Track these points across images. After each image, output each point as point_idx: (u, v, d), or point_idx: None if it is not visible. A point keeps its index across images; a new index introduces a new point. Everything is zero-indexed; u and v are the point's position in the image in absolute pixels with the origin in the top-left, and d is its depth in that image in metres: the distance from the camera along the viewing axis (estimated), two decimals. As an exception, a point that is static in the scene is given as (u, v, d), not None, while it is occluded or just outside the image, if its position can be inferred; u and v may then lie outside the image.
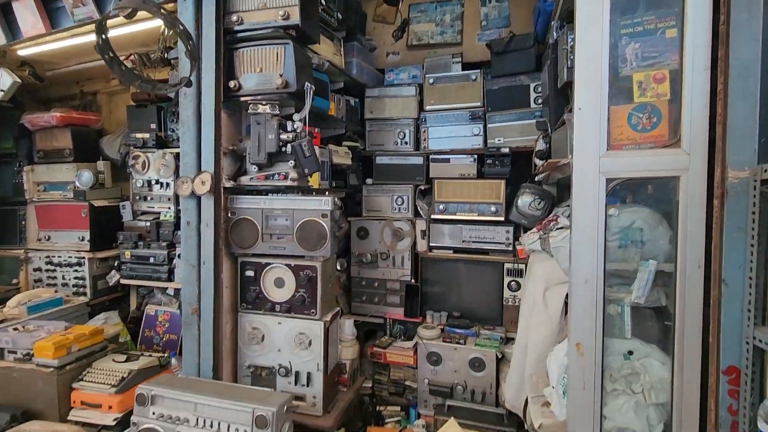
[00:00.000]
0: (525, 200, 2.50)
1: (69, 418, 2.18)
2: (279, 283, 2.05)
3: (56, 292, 2.94)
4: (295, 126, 1.96)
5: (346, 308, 2.92)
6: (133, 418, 1.70)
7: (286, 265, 2.03)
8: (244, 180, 2.04)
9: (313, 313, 2.00)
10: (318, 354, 2.01)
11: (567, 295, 1.88)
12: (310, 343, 2.02)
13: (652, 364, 1.56)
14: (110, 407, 2.17)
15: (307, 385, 2.03)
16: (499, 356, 2.40)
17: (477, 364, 2.41)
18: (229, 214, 2.05)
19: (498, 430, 2.15)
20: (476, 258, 2.71)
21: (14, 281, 3.15)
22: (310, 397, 2.03)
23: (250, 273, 2.07)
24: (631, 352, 1.58)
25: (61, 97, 3.67)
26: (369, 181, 2.95)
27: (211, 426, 1.62)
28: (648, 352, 1.58)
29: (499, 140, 2.69)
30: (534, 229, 2.34)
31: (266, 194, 2.06)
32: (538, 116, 2.55)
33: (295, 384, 2.03)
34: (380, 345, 2.67)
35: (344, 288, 2.95)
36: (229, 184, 2.01)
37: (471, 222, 2.70)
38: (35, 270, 3.11)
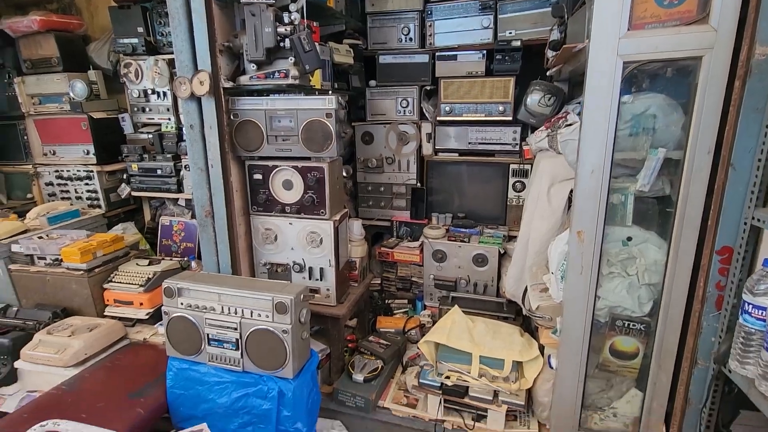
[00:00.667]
0: (534, 98, 2.42)
1: (105, 314, 2.39)
2: (287, 185, 2.09)
3: (72, 204, 3.02)
4: (292, 17, 1.83)
5: (354, 213, 3.00)
6: (164, 309, 1.86)
7: (293, 167, 2.05)
8: (244, 80, 1.96)
9: (322, 213, 2.07)
10: (329, 251, 2.11)
11: (571, 191, 1.91)
12: (321, 242, 2.11)
13: (648, 249, 1.64)
14: (141, 304, 2.36)
15: (321, 279, 2.17)
16: (502, 252, 2.51)
17: (480, 260, 2.54)
18: (232, 117, 2.01)
19: (498, 315, 2.33)
20: (482, 160, 2.70)
21: (29, 195, 3.22)
22: (324, 290, 2.18)
23: (258, 176, 2.10)
24: (629, 238, 1.64)
25: (36, 0, 3.40)
26: (372, 83, 2.83)
27: (236, 313, 1.77)
28: (646, 238, 1.64)
29: (510, 32, 2.51)
30: (542, 128, 2.29)
31: (268, 95, 2.00)
32: (554, 2, 2.35)
33: (310, 278, 2.17)
34: (387, 245, 2.80)
35: (351, 194, 3.00)
36: (228, 84, 1.94)
37: (477, 123, 2.64)
38: (47, 184, 3.16)
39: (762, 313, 1.24)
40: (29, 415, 1.66)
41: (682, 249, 1.54)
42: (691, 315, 1.59)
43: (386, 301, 2.88)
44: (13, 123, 3.13)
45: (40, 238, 2.49)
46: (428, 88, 2.76)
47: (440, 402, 2.01)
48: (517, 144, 2.61)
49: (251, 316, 1.75)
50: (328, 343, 2.27)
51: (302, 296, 1.77)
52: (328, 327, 2.25)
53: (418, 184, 2.84)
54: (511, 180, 2.65)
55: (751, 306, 1.27)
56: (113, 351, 2.18)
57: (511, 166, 2.63)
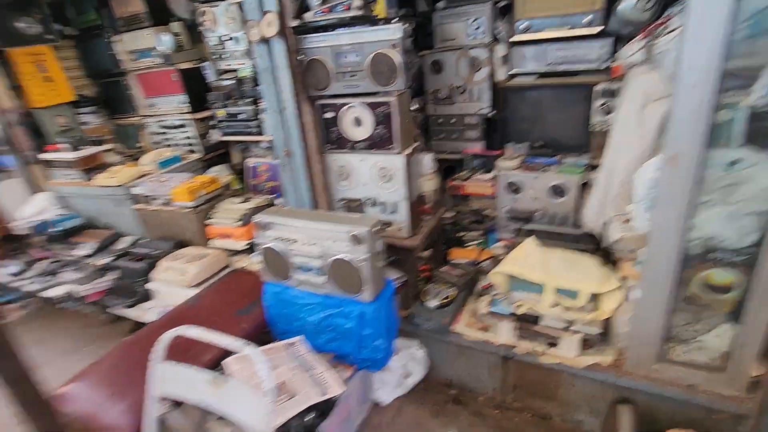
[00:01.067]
0: (629, 2, 2.08)
1: (211, 245, 2.77)
2: (357, 122, 2.13)
3: (174, 151, 3.41)
4: (351, -59, 1.75)
5: (425, 147, 2.98)
6: (255, 241, 2.10)
7: (362, 103, 2.07)
8: (308, 16, 1.96)
9: (392, 148, 2.09)
10: (400, 185, 2.17)
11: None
12: (391, 177, 2.16)
13: (760, 172, 1.43)
14: (239, 236, 2.68)
15: (394, 213, 2.26)
16: (583, 182, 2.36)
17: (558, 191, 2.42)
18: (300, 57, 2.05)
19: (576, 246, 2.26)
20: (563, 82, 2.46)
21: (138, 144, 3.69)
22: (396, 223, 2.28)
23: (329, 115, 2.16)
24: (735, 162, 1.45)
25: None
26: (440, 4, 2.64)
27: (317, 244, 1.94)
28: (757, 160, 1.43)
29: None
30: (638, 37, 2.00)
31: (333, 30, 1.99)
32: None
33: (383, 212, 2.27)
34: (460, 178, 2.78)
35: (421, 127, 2.96)
36: (294, 22, 1.96)
37: (559, 40, 2.37)
38: (152, 134, 3.57)
39: None
40: (165, 324, 2.06)
41: (805, 172, 1.33)
42: (806, 246, 1.40)
43: (459, 233, 2.92)
44: (117, 79, 3.52)
45: (153, 181, 2.88)
46: (502, 4, 2.51)
47: (511, 328, 2.08)
48: (605, 60, 2.31)
49: (331, 246, 1.91)
50: (403, 272, 2.40)
51: (376, 229, 1.87)
52: (402, 258, 2.38)
53: (492, 113, 2.70)
54: (597, 102, 2.39)
55: None
56: (220, 276, 2.55)
57: (597, 87, 2.36)
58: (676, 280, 1.62)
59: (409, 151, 2.14)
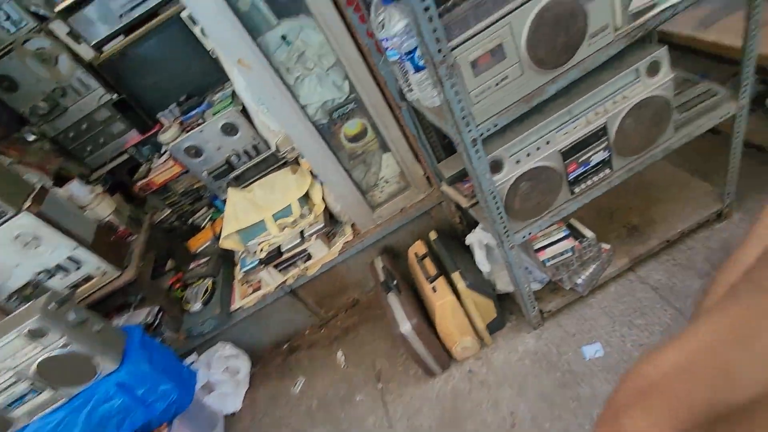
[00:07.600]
0: None
1: None
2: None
3: None
4: None
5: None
6: None
7: None
8: None
9: None
10: (55, 239, 1.79)
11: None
12: (38, 239, 1.77)
13: (308, 35, 1.58)
14: None
15: (80, 268, 1.90)
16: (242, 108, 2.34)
17: (230, 130, 2.35)
18: None
19: (276, 166, 2.32)
20: (151, 26, 2.22)
21: None
22: (95, 272, 1.94)
23: None
24: (284, 36, 1.56)
25: None
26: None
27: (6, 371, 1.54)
28: (300, 26, 1.56)
29: None
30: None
31: None
32: None
33: (68, 275, 1.89)
34: (141, 176, 2.45)
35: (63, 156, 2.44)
36: None
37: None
38: None
39: (388, 42, 1.31)
40: None
41: (329, 18, 1.50)
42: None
43: (189, 221, 2.72)
44: None
45: None
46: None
47: (270, 272, 2.13)
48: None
49: (22, 357, 1.54)
50: (151, 303, 2.17)
51: (55, 305, 1.56)
52: (137, 291, 2.11)
53: (116, 96, 2.35)
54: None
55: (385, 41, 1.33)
56: None
57: (184, 13, 2.21)
58: (330, 150, 1.81)
59: (28, 203, 1.74)
